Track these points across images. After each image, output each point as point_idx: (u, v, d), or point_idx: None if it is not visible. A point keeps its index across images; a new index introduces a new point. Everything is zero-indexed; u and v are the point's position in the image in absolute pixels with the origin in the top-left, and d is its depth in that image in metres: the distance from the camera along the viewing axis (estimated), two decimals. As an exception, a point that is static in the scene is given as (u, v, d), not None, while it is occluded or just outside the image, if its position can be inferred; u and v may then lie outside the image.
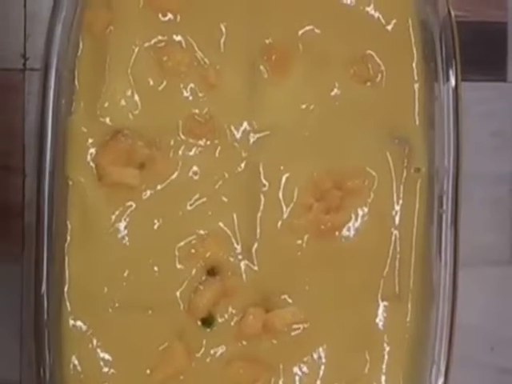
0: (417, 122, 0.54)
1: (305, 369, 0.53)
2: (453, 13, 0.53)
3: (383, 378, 0.53)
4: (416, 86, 0.54)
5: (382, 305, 0.54)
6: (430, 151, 0.54)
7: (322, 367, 0.53)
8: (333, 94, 0.54)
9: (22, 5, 0.57)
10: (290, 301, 0.53)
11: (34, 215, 0.51)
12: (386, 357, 0.53)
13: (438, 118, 0.53)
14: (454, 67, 0.53)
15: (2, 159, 0.58)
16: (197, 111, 0.53)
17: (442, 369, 0.52)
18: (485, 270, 0.60)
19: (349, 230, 0.54)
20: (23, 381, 0.57)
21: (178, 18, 0.53)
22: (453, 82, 0.53)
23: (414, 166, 0.54)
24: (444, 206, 0.53)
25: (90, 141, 0.52)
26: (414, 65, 0.54)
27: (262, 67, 0.53)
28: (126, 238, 0.52)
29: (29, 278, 0.51)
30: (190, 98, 0.53)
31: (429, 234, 0.53)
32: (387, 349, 0.54)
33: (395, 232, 0.54)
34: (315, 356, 0.53)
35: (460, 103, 0.53)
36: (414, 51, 0.54)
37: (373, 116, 0.54)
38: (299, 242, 0.53)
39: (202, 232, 0.53)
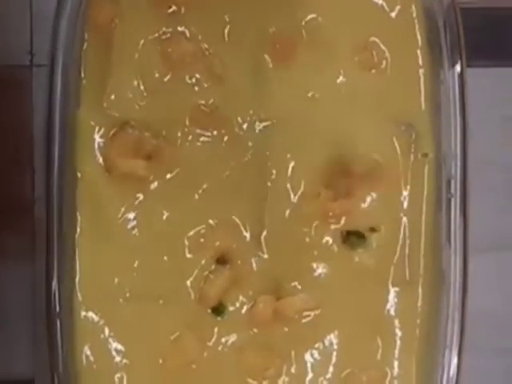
0: (423, 108, 0.54)
1: (316, 355, 0.53)
2: (457, -1, 0.53)
3: (396, 363, 0.54)
4: (421, 71, 0.54)
5: (392, 291, 0.54)
6: (437, 136, 0.54)
7: (334, 354, 0.53)
8: (338, 81, 0.54)
9: (27, 2, 0.58)
10: (299, 288, 0.53)
11: (44, 209, 0.52)
12: (398, 342, 0.54)
13: (444, 104, 0.53)
14: (458, 53, 0.53)
15: (11, 155, 0.58)
16: (203, 102, 0.53)
17: (455, 352, 0.52)
18: (497, 255, 0.60)
19: (357, 217, 0.54)
20: (37, 375, 0.58)
21: (183, 9, 0.53)
22: (458, 68, 0.53)
23: (421, 152, 0.54)
24: (452, 191, 0.53)
25: (98, 133, 0.53)
26: (418, 51, 0.54)
27: (266, 56, 0.53)
28: (136, 229, 0.53)
29: (40, 272, 0.52)
30: (196, 88, 0.53)
31: (438, 220, 0.53)
32: (399, 334, 0.54)
33: (404, 218, 0.54)
34: (327, 343, 0.53)
35: (465, 89, 0.53)
36: (419, 38, 0.54)
37: (379, 103, 0.54)
38: (307, 229, 0.53)
39: (210, 221, 0.53)
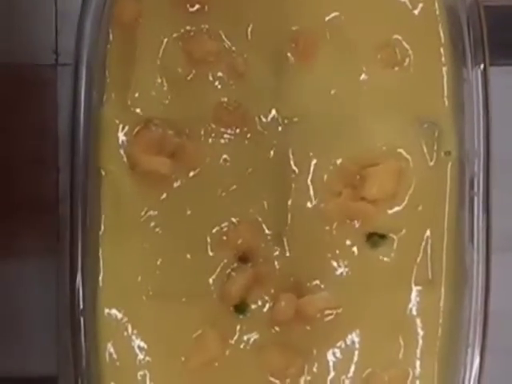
0: (446, 106, 0.54)
1: (338, 354, 0.53)
2: (480, -3, 0.53)
3: (418, 362, 0.53)
4: (444, 69, 0.54)
5: (415, 290, 0.54)
6: (460, 135, 0.53)
7: (356, 353, 0.53)
8: (360, 79, 0.54)
9: (52, 1, 0.59)
10: (322, 286, 0.53)
11: (68, 207, 0.52)
12: (420, 341, 0.53)
13: (467, 102, 0.53)
14: (482, 51, 0.53)
15: (36, 154, 0.59)
16: (226, 99, 0.53)
17: (477, 352, 0.52)
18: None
19: (379, 216, 0.54)
20: (60, 373, 0.58)
21: (206, 8, 0.54)
22: (481, 66, 0.53)
23: (444, 150, 0.54)
24: (475, 189, 0.53)
25: (122, 131, 0.53)
26: (441, 49, 0.54)
27: (289, 54, 0.54)
28: (159, 227, 0.53)
29: (64, 270, 0.52)
30: (219, 86, 0.53)
31: (461, 218, 0.53)
32: (421, 333, 0.53)
33: (427, 216, 0.54)
34: (348, 342, 0.53)
35: (488, 87, 0.53)
36: (442, 35, 0.54)
37: (401, 100, 0.54)
38: (328, 228, 0.53)
39: (233, 219, 0.53)
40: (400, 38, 0.54)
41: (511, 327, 0.59)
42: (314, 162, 0.53)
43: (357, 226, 0.54)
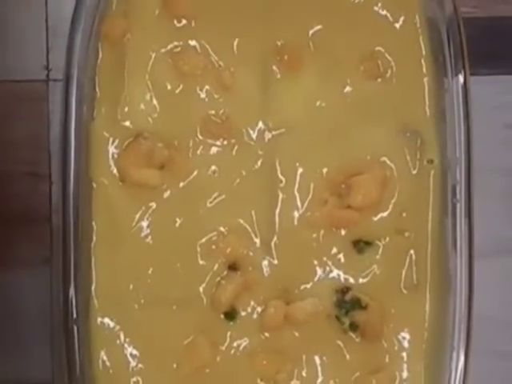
0: (428, 115, 0.55)
1: (326, 359, 0.54)
2: (459, 9, 0.54)
3: (405, 366, 0.54)
4: (425, 80, 0.55)
5: (401, 294, 0.55)
6: (442, 143, 0.55)
7: (344, 357, 0.54)
8: (345, 91, 0.55)
9: (43, 19, 0.60)
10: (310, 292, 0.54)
11: (61, 219, 0.53)
12: (407, 345, 0.55)
13: (449, 111, 0.54)
14: (461, 62, 0.54)
15: (29, 167, 0.60)
16: (213, 112, 0.55)
17: (462, 355, 0.53)
18: (503, 260, 0.61)
19: (365, 224, 0.55)
20: (55, 380, 0.58)
21: (193, 23, 0.55)
22: (461, 77, 0.54)
23: (426, 158, 0.55)
24: (458, 196, 0.54)
25: (112, 144, 0.54)
26: (422, 60, 0.55)
27: (274, 67, 0.55)
28: (150, 237, 0.54)
29: (57, 280, 0.53)
30: (206, 99, 0.55)
31: (444, 225, 0.55)
32: (407, 337, 0.55)
33: (411, 223, 0.55)
34: (337, 346, 0.54)
35: (469, 96, 0.54)
36: (423, 47, 0.55)
37: (384, 111, 0.55)
38: (315, 235, 0.54)
39: (222, 228, 0.54)
40: (382, 50, 0.55)
41: (495, 330, 0.60)
42: (300, 171, 0.55)
43: (343, 233, 0.55)
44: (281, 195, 0.54)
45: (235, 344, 0.54)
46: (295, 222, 0.54)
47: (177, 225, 0.54)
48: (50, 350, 0.58)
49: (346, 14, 0.55)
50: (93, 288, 0.54)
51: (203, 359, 0.54)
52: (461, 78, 0.54)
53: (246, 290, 0.54)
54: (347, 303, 0.54)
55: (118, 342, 0.54)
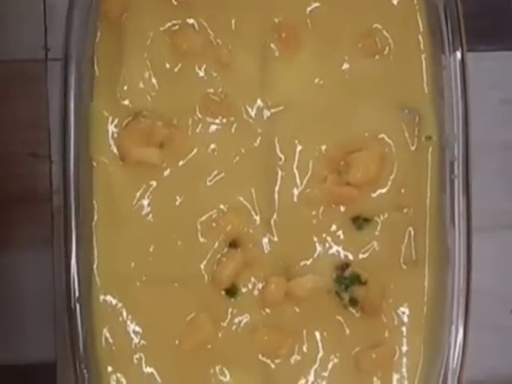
0: (425, 92, 0.55)
1: (327, 334, 0.55)
2: (457, -15, 0.54)
3: (404, 340, 0.55)
4: (423, 56, 0.55)
5: (400, 270, 0.55)
6: (440, 119, 0.55)
7: (345, 332, 0.55)
8: (343, 68, 0.55)
9: (41, -2, 0.60)
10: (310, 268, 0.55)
11: (62, 198, 0.54)
12: (406, 320, 0.55)
13: (446, 88, 0.55)
14: (458, 39, 0.54)
15: (29, 147, 0.60)
16: (212, 90, 0.55)
17: (460, 329, 0.54)
18: (500, 235, 0.61)
19: (364, 200, 0.55)
20: (59, 359, 0.59)
21: (191, 1, 0.55)
22: (458, 53, 0.54)
23: (424, 135, 0.55)
24: (456, 172, 0.54)
25: (112, 123, 0.54)
26: (420, 37, 0.55)
27: (272, 45, 0.55)
28: (150, 215, 0.54)
29: (59, 259, 0.54)
30: (205, 78, 0.55)
31: (442, 201, 0.55)
32: (407, 312, 0.55)
33: (409, 199, 0.55)
34: (337, 321, 0.55)
35: (466, 73, 0.54)
36: (420, 24, 0.55)
37: (382, 88, 0.55)
38: (315, 212, 0.55)
39: (222, 206, 0.55)
40: (380, 27, 0.55)
41: (493, 304, 0.61)
42: (299, 149, 0.55)
43: (342, 210, 0.55)
44: (280, 173, 0.55)
45: (236, 320, 0.54)
46: (295, 199, 0.55)
47: (177, 203, 0.54)
48: (52, 329, 0.59)
49: (344, -9, 0.55)
50: (95, 266, 0.54)
51: (205, 335, 0.54)
52: (458, 55, 0.54)
53: (246, 266, 0.54)
54: (347, 279, 0.55)
55: (120, 319, 0.54)
